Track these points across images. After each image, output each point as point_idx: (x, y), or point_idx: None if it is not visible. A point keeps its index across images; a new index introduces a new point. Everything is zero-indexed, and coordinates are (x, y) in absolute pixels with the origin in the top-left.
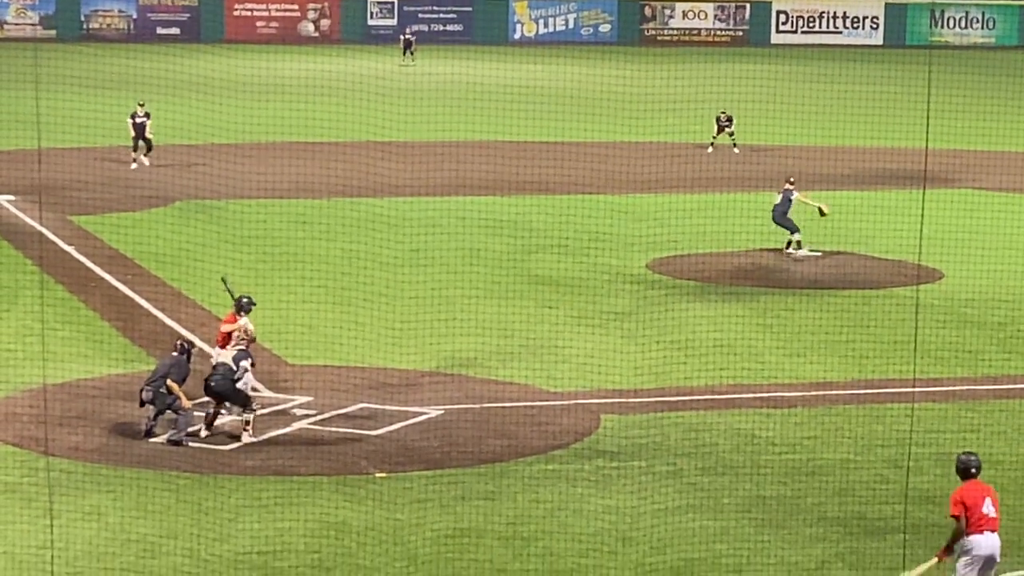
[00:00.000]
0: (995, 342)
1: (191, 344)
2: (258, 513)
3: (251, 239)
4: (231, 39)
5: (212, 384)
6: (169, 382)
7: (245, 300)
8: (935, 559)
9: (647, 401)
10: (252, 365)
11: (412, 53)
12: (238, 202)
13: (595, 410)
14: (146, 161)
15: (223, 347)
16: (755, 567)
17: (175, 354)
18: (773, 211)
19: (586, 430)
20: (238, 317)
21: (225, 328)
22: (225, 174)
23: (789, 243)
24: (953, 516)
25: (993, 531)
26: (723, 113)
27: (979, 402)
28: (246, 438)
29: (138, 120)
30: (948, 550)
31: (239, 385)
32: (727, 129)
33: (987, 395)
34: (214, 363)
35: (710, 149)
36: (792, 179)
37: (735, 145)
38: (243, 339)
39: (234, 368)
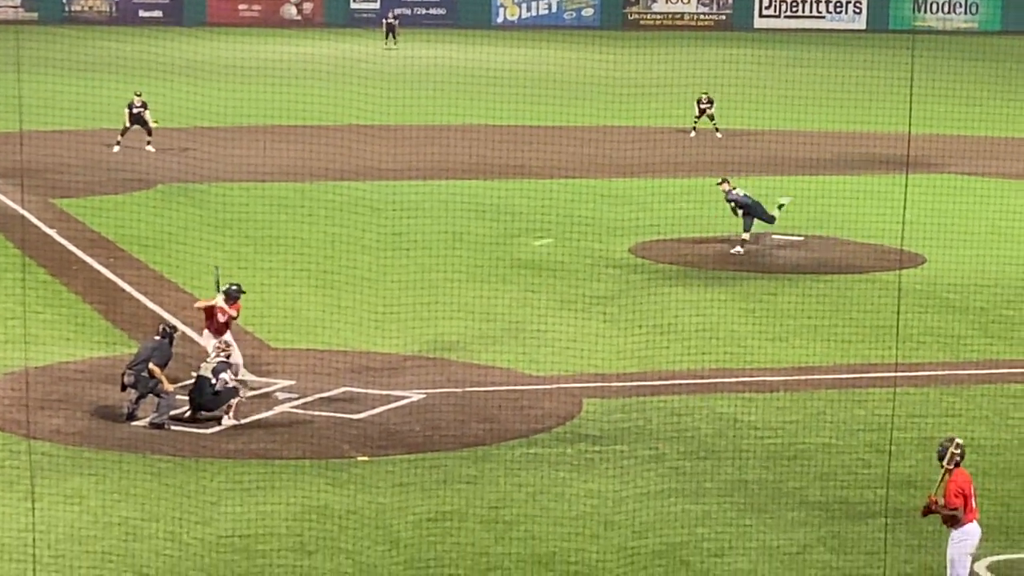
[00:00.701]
0: (977, 327)
1: (173, 328)
2: (240, 496)
3: (233, 222)
4: (213, 22)
5: (196, 400)
6: (151, 366)
7: (234, 288)
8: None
9: (629, 385)
10: (235, 375)
11: (395, 37)
12: (220, 185)
13: (577, 394)
14: (151, 148)
15: (210, 330)
16: (737, 551)
17: (157, 338)
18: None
19: (568, 414)
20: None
21: (199, 304)
22: (207, 157)
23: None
24: (954, 508)
25: (977, 520)
26: (704, 95)
27: (961, 387)
28: (228, 421)
29: (135, 110)
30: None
31: (218, 387)
32: (708, 111)
33: (969, 380)
34: (196, 374)
35: (692, 134)
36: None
37: (717, 129)
38: (224, 352)
39: (213, 380)
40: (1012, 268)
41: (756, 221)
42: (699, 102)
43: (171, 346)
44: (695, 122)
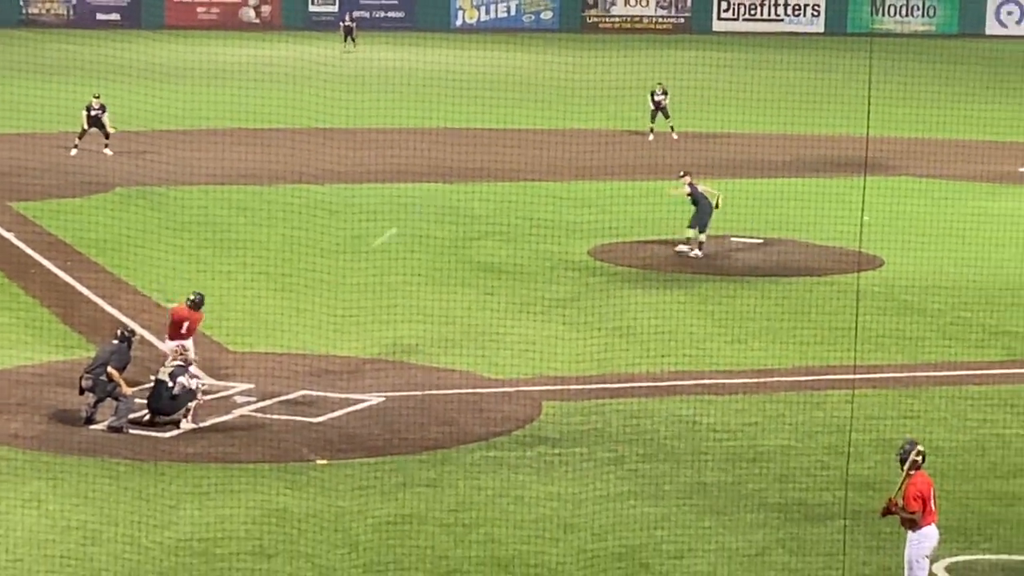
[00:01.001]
0: (935, 329)
1: (132, 332)
2: (199, 500)
3: (192, 225)
4: (171, 25)
5: (153, 405)
6: (110, 369)
7: (199, 297)
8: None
9: (588, 388)
10: (192, 378)
11: (354, 40)
12: (179, 188)
13: (536, 397)
14: (108, 152)
15: (172, 338)
16: (696, 553)
17: (116, 341)
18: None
19: (527, 417)
20: (194, 312)
21: (177, 317)
22: (166, 160)
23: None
24: (913, 511)
25: (935, 523)
26: (659, 85)
27: (919, 389)
28: (186, 425)
29: (93, 112)
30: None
31: (176, 391)
32: (663, 103)
33: (927, 381)
34: (154, 378)
35: (650, 136)
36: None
37: (673, 130)
38: (182, 356)
39: (171, 384)
40: (969, 270)
41: (707, 221)
42: (653, 94)
43: (130, 350)
44: (652, 121)
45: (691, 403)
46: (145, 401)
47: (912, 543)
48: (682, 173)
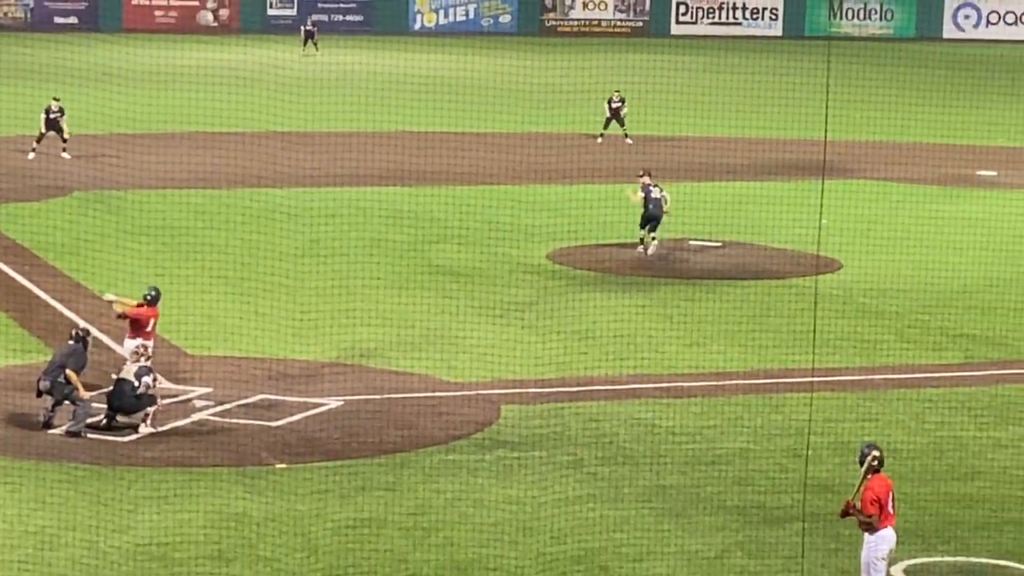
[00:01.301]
0: (893, 331)
1: (87, 332)
2: (158, 504)
3: (150, 229)
4: (130, 28)
5: (115, 403)
6: (68, 371)
7: (154, 293)
8: None
9: (547, 391)
10: (155, 381)
11: (315, 43)
12: (137, 192)
13: (496, 400)
14: (66, 155)
15: (132, 337)
16: (655, 556)
17: (71, 342)
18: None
19: (486, 421)
20: (151, 308)
21: (131, 312)
22: (124, 164)
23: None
24: (870, 514)
25: (893, 526)
26: (616, 93)
27: (877, 391)
28: (145, 429)
29: (52, 115)
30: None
31: (140, 390)
32: (620, 111)
33: (885, 384)
34: (117, 376)
35: (599, 139)
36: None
37: (627, 135)
38: (145, 355)
39: (136, 383)
40: (927, 273)
41: (659, 224)
42: (610, 101)
43: (86, 350)
44: (605, 128)
45: (650, 406)
46: (105, 404)
47: (868, 545)
48: (641, 172)
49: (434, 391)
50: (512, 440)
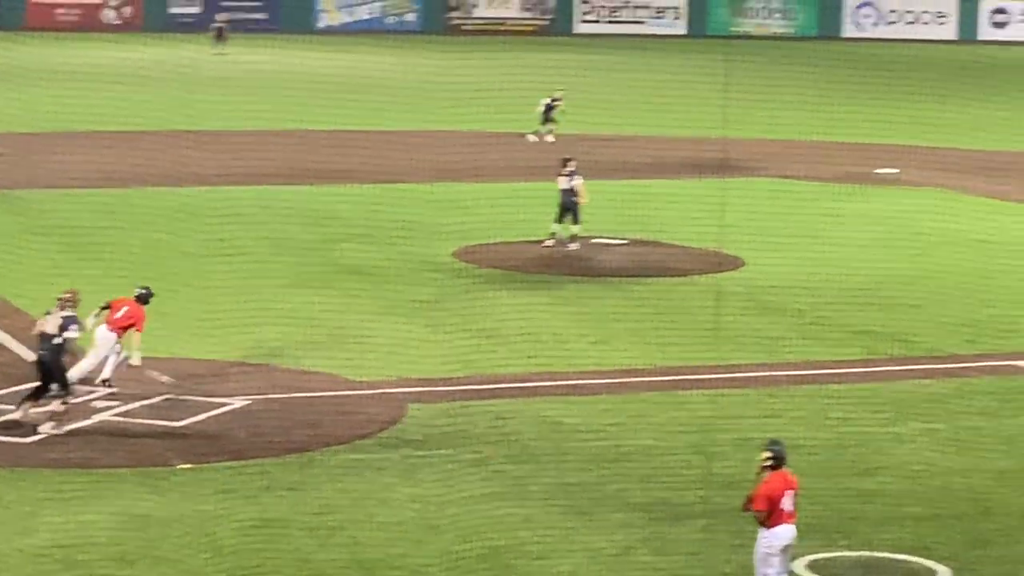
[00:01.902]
0: (794, 328)
1: None
2: (59, 506)
3: (54, 229)
4: (31, 26)
5: (41, 357)
6: None
7: (144, 291)
8: None
9: (453, 390)
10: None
11: (224, 41)
12: (39, 192)
13: (401, 399)
14: None
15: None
16: (560, 553)
17: None
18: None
19: (392, 419)
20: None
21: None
22: (27, 164)
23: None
24: (758, 510)
25: (790, 523)
26: (552, 97)
27: (780, 388)
28: (47, 429)
29: None
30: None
31: (58, 340)
32: (554, 109)
33: (787, 381)
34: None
35: (532, 138)
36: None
37: (544, 134)
38: (70, 304)
39: (57, 336)
40: (828, 270)
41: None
42: (548, 103)
43: None
44: (540, 127)
45: (555, 404)
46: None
47: (762, 540)
48: (566, 159)
49: (339, 390)
50: (417, 439)
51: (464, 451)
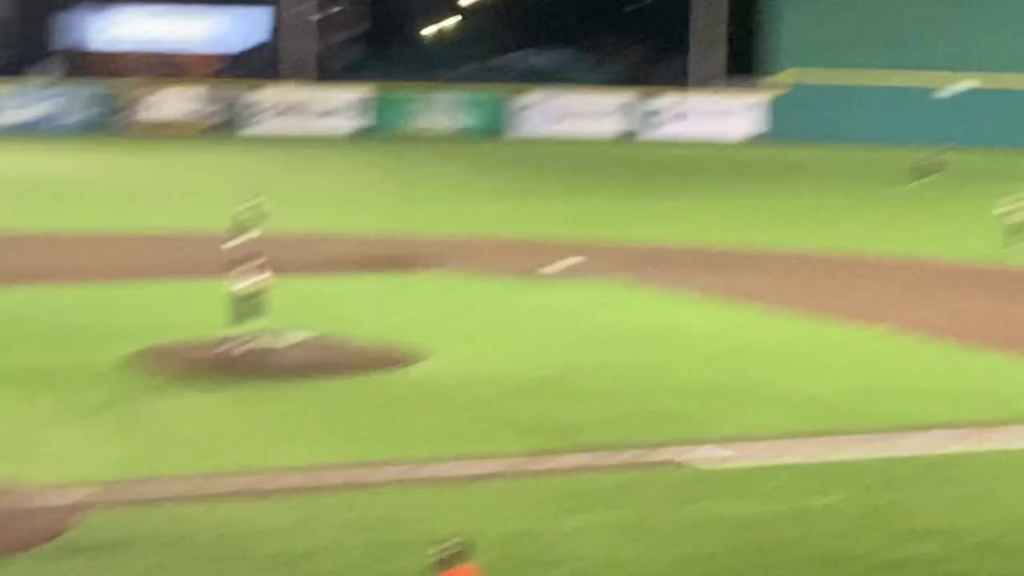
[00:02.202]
0: (475, 423)
1: None
2: None
3: None
4: None
5: None
6: None
7: None
8: None
9: (129, 495)
10: None
11: None
12: None
13: (74, 505)
14: None
15: None
16: None
17: None
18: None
19: (63, 527)
20: None
21: None
22: None
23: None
24: None
25: None
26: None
27: (461, 482)
28: None
29: None
30: None
31: None
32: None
33: (485, 476)
34: None
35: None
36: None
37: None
38: None
39: None
40: (513, 363)
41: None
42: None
43: None
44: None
45: (234, 505)
46: None
47: None
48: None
49: (6, 497)
50: (91, 546)
51: (140, 558)
